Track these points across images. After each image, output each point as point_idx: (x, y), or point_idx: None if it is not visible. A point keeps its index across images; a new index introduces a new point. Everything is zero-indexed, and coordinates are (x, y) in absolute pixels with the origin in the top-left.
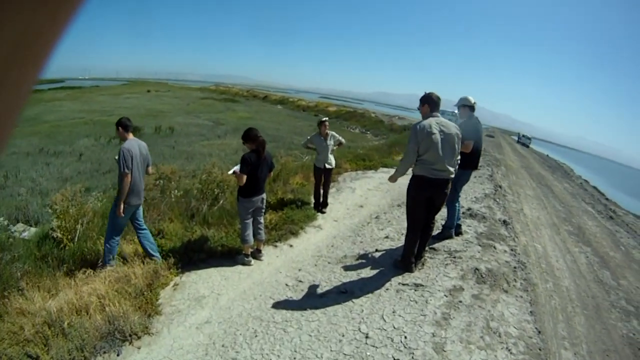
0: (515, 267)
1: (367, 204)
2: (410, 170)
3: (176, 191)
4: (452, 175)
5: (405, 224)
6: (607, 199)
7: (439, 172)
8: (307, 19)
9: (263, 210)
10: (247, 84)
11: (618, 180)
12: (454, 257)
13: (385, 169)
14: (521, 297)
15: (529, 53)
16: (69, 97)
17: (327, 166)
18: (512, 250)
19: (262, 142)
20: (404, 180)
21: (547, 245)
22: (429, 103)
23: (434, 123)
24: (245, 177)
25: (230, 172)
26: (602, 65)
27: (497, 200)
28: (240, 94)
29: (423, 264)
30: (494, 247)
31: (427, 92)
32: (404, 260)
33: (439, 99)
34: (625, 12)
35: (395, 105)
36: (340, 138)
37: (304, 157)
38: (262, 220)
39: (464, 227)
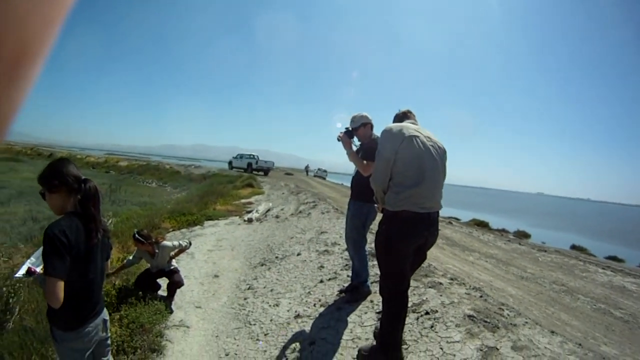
0: None
1: (221, 271)
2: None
3: None
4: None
5: (296, 287)
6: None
7: (430, 201)
8: (84, 71)
9: (109, 343)
10: (29, 142)
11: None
12: None
13: (211, 222)
14: None
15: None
16: None
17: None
18: None
19: (92, 191)
20: (243, 230)
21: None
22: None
23: (414, 127)
24: (61, 285)
25: (20, 272)
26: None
27: None
28: (24, 152)
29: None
30: None
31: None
32: (385, 353)
33: (405, 113)
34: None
35: (183, 157)
36: (178, 243)
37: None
38: None
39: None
